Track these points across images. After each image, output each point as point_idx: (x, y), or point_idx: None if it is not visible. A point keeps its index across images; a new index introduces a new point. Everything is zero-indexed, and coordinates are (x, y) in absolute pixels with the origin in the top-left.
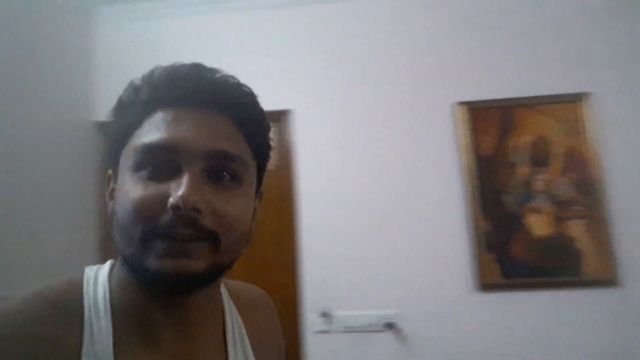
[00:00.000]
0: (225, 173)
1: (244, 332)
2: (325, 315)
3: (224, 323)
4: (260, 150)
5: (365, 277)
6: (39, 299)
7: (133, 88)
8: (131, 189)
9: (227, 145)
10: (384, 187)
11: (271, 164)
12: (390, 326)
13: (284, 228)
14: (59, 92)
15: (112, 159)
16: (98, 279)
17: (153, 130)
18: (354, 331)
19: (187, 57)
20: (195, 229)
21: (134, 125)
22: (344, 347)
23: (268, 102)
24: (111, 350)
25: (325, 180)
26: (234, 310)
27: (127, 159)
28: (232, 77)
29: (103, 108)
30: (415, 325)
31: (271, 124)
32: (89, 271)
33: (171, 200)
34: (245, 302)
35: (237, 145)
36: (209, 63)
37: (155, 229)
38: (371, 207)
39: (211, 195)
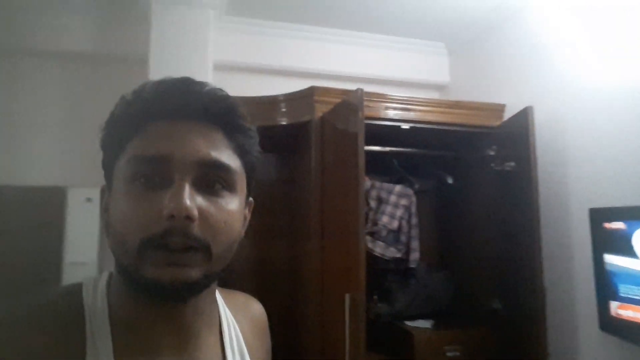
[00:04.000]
0: (216, 182)
1: (239, 333)
2: None
3: (220, 326)
4: (249, 160)
5: None
6: (40, 308)
7: (125, 102)
8: (125, 200)
9: (217, 154)
10: None
11: None
12: None
13: None
14: None
15: (105, 173)
16: (97, 289)
17: (145, 143)
18: None
19: None
20: (188, 237)
21: (126, 138)
22: None
23: None
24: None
25: None
26: (229, 313)
27: (120, 172)
28: (220, 89)
29: None
30: None
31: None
32: (87, 282)
33: (165, 210)
34: (238, 305)
35: (227, 155)
36: None
37: (150, 239)
38: None
39: (203, 204)
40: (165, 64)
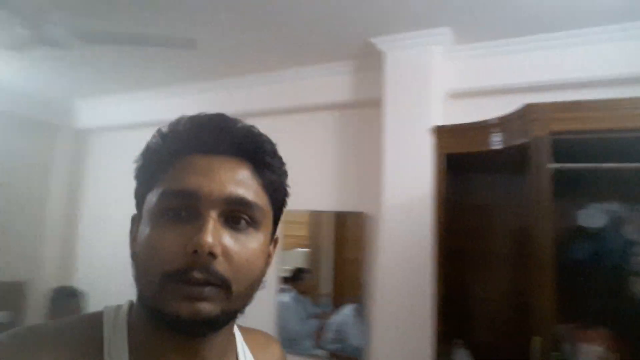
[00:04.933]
0: (242, 218)
1: None
2: None
3: None
4: (277, 197)
5: None
6: (60, 333)
7: (160, 135)
8: (151, 232)
9: (244, 192)
10: None
11: None
12: None
13: None
14: None
15: (137, 202)
16: (118, 317)
17: (176, 177)
18: None
19: None
20: (209, 273)
21: (159, 170)
22: None
23: None
24: None
25: None
26: (247, 350)
27: (149, 204)
28: (253, 126)
29: None
30: None
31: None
32: (109, 310)
33: (189, 245)
34: (257, 344)
35: (255, 192)
36: None
37: (172, 273)
38: None
39: (227, 240)
40: (397, 102)
